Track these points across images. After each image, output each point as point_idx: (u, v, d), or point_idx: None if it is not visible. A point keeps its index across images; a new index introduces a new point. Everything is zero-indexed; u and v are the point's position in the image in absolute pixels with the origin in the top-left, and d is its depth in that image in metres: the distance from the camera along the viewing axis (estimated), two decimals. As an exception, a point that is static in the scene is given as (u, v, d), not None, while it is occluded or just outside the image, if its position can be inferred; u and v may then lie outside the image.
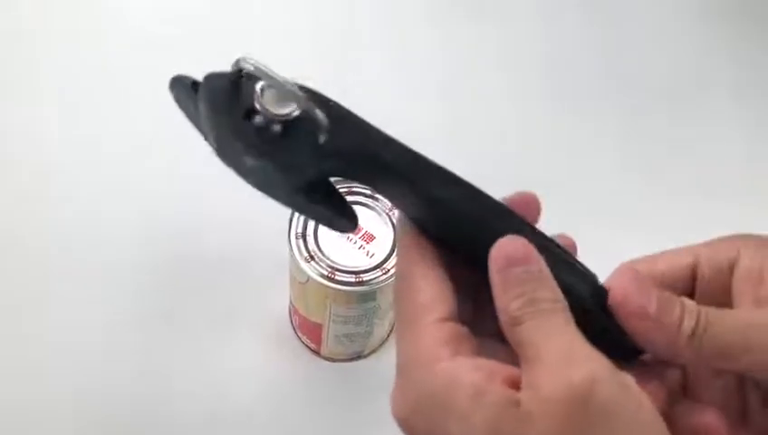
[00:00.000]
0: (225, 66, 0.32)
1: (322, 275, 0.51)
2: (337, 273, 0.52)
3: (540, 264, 0.28)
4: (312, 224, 0.53)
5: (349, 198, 0.54)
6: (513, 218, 0.30)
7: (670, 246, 0.35)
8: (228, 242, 0.67)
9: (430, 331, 0.27)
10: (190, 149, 0.70)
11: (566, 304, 0.28)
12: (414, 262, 0.29)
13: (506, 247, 0.28)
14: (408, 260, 0.29)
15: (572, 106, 0.75)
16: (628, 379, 0.26)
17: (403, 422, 0.27)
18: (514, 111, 0.73)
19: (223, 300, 0.65)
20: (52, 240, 0.67)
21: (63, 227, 0.67)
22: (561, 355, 0.26)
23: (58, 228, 0.67)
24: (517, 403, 0.25)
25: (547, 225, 0.33)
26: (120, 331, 0.63)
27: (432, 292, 0.28)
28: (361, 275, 0.52)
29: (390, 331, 0.64)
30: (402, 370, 0.28)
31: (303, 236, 0.53)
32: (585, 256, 0.33)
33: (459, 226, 0.29)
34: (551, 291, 0.27)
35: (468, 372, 0.26)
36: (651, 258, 0.33)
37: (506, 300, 0.27)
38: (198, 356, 0.63)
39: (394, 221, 0.54)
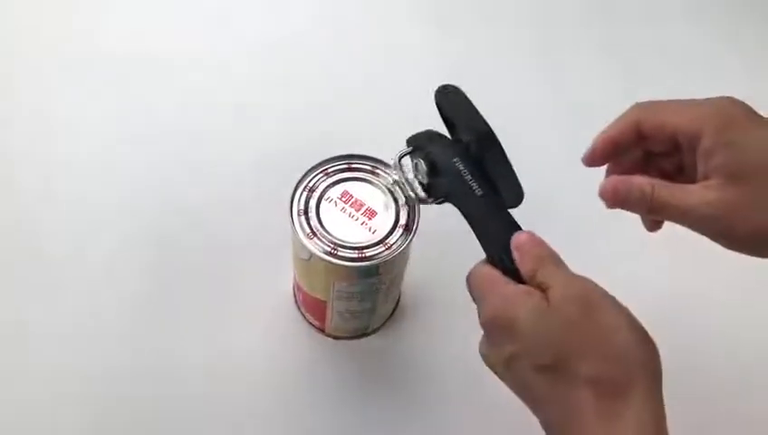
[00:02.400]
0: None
1: (325, 252, 0.51)
2: (339, 249, 0.52)
3: (540, 241, 0.45)
4: (313, 201, 0.53)
5: (349, 174, 0.55)
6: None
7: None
8: (232, 222, 0.68)
9: (500, 278, 0.45)
10: (193, 133, 0.72)
11: (559, 257, 0.44)
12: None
13: (521, 237, 0.45)
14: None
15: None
16: (602, 289, 0.42)
17: (493, 327, 0.43)
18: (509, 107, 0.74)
19: (226, 280, 0.65)
20: (54, 228, 0.67)
21: (67, 211, 0.68)
22: (564, 281, 0.42)
23: (62, 214, 0.68)
24: (547, 300, 0.42)
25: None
26: (121, 314, 0.64)
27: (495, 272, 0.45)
28: (364, 251, 0.52)
29: (395, 308, 0.64)
30: (481, 300, 0.45)
31: (305, 213, 0.53)
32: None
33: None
34: (549, 252, 0.44)
35: (522, 287, 0.43)
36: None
37: (525, 264, 0.44)
38: (203, 334, 0.63)
39: (396, 196, 0.53)
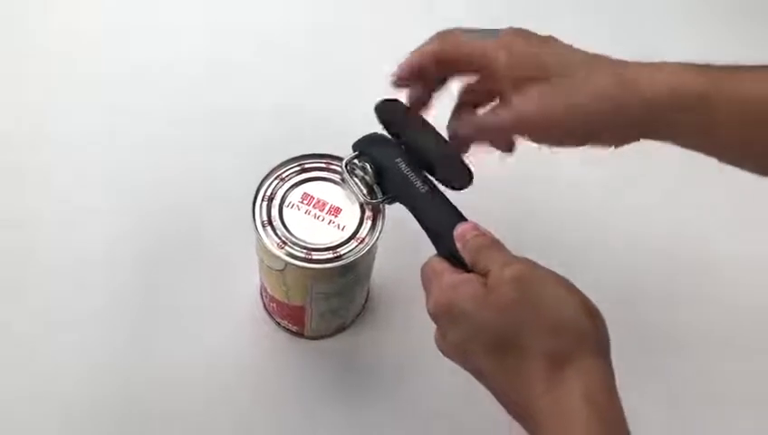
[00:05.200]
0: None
1: (299, 258, 0.51)
2: (313, 253, 0.51)
3: (480, 230, 0.47)
4: (275, 210, 0.52)
5: (304, 176, 0.54)
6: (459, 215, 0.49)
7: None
8: (200, 226, 0.67)
9: (445, 269, 0.47)
10: (161, 143, 0.70)
11: (498, 243, 0.46)
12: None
13: (462, 228, 0.47)
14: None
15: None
16: (543, 267, 0.44)
17: (439, 315, 0.45)
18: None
19: (192, 293, 0.64)
20: (31, 231, 0.66)
21: (43, 217, 0.67)
22: (501, 264, 0.43)
23: (36, 219, 0.67)
24: (485, 284, 0.43)
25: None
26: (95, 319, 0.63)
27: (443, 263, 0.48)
28: (338, 250, 0.51)
29: (367, 295, 0.64)
30: (427, 291, 0.47)
31: (270, 223, 0.52)
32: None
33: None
34: (488, 239, 0.46)
35: (464, 275, 0.45)
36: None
37: (467, 253, 0.46)
38: (175, 344, 0.62)
39: (355, 183, 0.53)
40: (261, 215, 0.52)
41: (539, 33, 0.49)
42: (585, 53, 0.47)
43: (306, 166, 0.54)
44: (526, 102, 0.47)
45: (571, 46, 0.48)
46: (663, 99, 0.44)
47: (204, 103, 0.74)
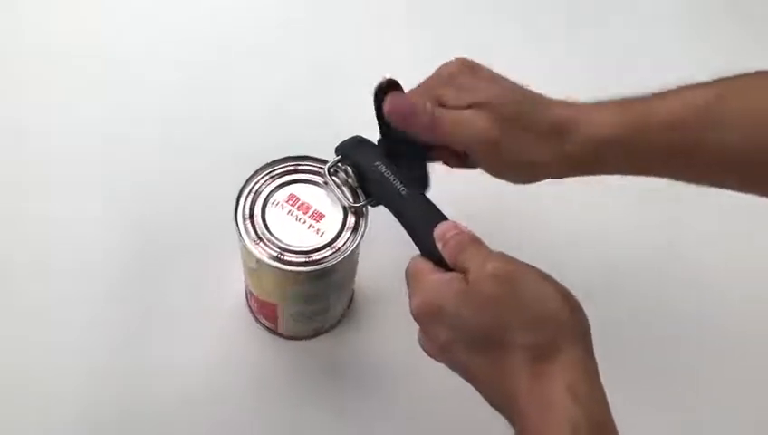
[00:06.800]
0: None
1: (272, 257, 0.50)
2: (287, 254, 0.50)
3: (461, 228, 0.47)
4: (258, 205, 0.52)
5: (295, 177, 0.54)
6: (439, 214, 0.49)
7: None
8: (182, 234, 0.67)
9: (428, 269, 0.46)
10: (148, 145, 0.71)
11: (478, 240, 0.46)
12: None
13: (441, 227, 0.47)
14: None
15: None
16: (521, 262, 0.44)
17: (421, 316, 0.45)
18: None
19: (174, 281, 0.64)
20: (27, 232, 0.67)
21: (33, 226, 0.67)
22: (480, 261, 0.43)
23: (27, 228, 0.67)
24: (467, 281, 0.43)
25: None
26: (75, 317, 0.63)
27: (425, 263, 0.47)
28: (312, 255, 0.51)
29: (349, 305, 0.64)
30: (410, 292, 0.47)
31: (251, 217, 0.52)
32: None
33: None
34: (467, 237, 0.46)
35: (446, 274, 0.45)
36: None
37: (447, 252, 0.46)
38: (151, 335, 0.62)
39: (338, 186, 0.53)
40: (243, 208, 0.52)
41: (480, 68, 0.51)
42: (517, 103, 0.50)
43: (300, 167, 0.54)
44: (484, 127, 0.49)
45: (505, 88, 0.50)
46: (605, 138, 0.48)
47: (201, 106, 0.73)
